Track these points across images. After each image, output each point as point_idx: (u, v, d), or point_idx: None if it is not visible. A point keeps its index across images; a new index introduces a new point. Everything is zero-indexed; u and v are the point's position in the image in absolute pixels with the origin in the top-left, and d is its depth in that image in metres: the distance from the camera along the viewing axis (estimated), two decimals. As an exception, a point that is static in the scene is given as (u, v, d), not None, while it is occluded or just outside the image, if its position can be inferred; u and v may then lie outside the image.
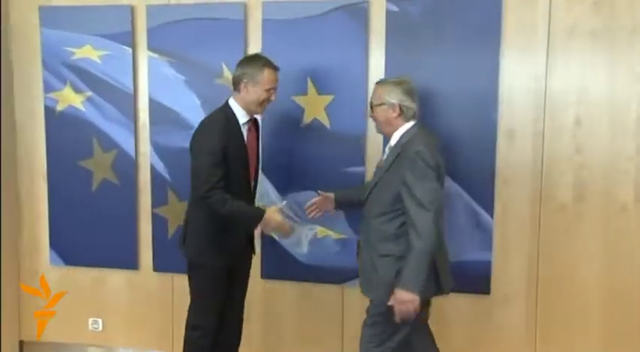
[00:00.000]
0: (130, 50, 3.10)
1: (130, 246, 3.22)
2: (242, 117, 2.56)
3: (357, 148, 2.90)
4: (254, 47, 2.96)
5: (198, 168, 2.46)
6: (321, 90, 2.92)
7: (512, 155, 2.80)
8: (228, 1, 2.98)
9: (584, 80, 2.70)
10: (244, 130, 2.58)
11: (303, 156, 2.96)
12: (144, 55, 3.10)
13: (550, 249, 2.81)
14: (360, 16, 2.85)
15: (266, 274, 3.10)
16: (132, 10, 3.09)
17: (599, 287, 2.78)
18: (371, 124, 2.65)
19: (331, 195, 2.65)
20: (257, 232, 2.74)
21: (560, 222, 2.79)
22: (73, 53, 3.16)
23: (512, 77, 2.77)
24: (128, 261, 3.24)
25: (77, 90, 3.17)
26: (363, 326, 2.44)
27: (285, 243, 3.03)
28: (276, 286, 3.12)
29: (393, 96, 2.33)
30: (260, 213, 2.51)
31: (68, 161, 3.22)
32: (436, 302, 2.89)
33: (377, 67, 2.87)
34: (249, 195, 2.67)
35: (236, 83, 2.54)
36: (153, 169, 3.15)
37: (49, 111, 3.22)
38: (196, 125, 2.62)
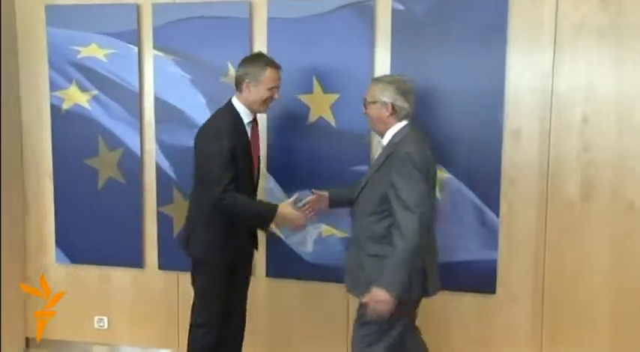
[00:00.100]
0: (135, 49, 3.11)
1: (136, 245, 3.23)
2: (246, 116, 2.56)
3: (362, 147, 2.90)
4: (259, 46, 2.96)
5: (208, 172, 2.46)
6: (326, 89, 2.91)
7: (518, 153, 2.79)
8: (233, -1, 2.99)
9: (592, 78, 2.69)
10: (248, 129, 2.59)
11: (308, 154, 2.96)
12: (149, 54, 3.11)
13: (557, 247, 2.80)
14: (365, 14, 2.84)
15: (271, 273, 3.10)
16: (137, 8, 3.09)
17: (607, 286, 2.77)
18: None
19: (325, 193, 2.64)
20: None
21: (567, 221, 2.77)
22: (78, 52, 3.17)
23: (518, 75, 2.75)
24: (133, 259, 3.24)
25: (83, 88, 3.18)
26: (354, 327, 2.42)
27: (291, 241, 3.03)
28: (281, 285, 3.11)
29: (387, 95, 2.32)
30: (273, 210, 2.52)
31: (74, 159, 3.23)
32: (442, 301, 2.90)
33: (382, 65, 2.86)
34: (254, 193, 2.68)
35: (238, 83, 2.55)
36: (158, 168, 3.15)
37: (55, 110, 3.23)
38: (201, 123, 2.63)
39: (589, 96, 2.70)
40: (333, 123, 2.92)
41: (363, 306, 2.39)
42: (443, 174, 2.82)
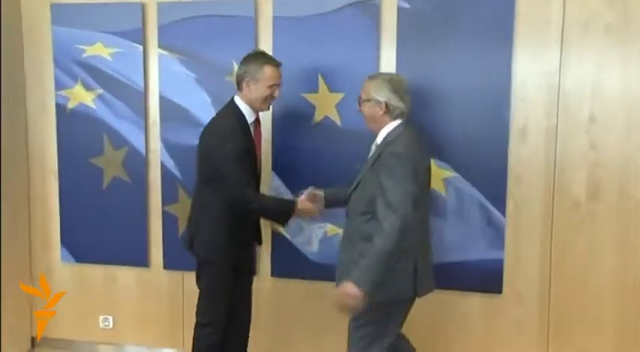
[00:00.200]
0: (140, 48, 3.10)
1: (141, 244, 3.23)
2: (249, 116, 2.57)
3: (368, 146, 2.87)
4: (265, 44, 2.95)
5: (228, 176, 2.45)
6: (332, 88, 2.90)
7: (524, 152, 2.78)
8: (238, -2, 2.98)
9: (599, 76, 2.67)
10: (251, 129, 2.60)
11: (314, 153, 2.95)
12: (154, 53, 3.10)
13: (563, 247, 2.78)
14: (371, 12, 2.83)
15: (276, 272, 3.09)
16: (143, 7, 3.09)
17: (613, 286, 2.75)
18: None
19: (321, 193, 2.63)
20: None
21: (574, 220, 2.76)
22: (84, 51, 3.16)
23: (525, 73, 2.74)
24: (138, 258, 3.24)
25: (88, 87, 3.18)
26: (350, 328, 2.41)
27: (296, 241, 3.02)
28: (286, 284, 3.11)
29: (381, 94, 2.30)
30: (293, 206, 2.56)
31: (79, 158, 3.23)
32: (448, 301, 2.90)
33: (388, 64, 2.85)
34: (258, 190, 2.70)
35: (239, 82, 2.55)
36: (163, 167, 3.15)
37: (60, 109, 3.23)
38: (206, 122, 2.63)
39: (596, 95, 2.68)
40: (338, 122, 2.91)
41: (356, 315, 2.38)
42: (449, 173, 2.82)
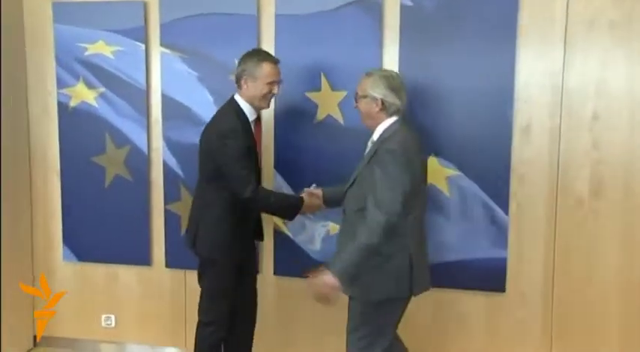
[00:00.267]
0: (142, 46, 3.10)
1: (143, 243, 3.22)
2: (250, 114, 2.57)
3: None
4: (267, 42, 2.95)
5: (230, 174, 2.46)
6: (334, 86, 2.89)
7: (528, 151, 2.76)
8: (241, -5, 2.97)
9: (603, 74, 2.66)
10: (253, 127, 2.60)
11: (316, 152, 2.94)
12: (156, 51, 3.10)
13: (567, 245, 2.77)
14: (374, 10, 2.82)
15: (279, 271, 3.09)
16: (145, 5, 3.08)
17: (617, 285, 2.74)
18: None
19: (319, 191, 2.63)
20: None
21: (577, 219, 2.75)
22: (85, 49, 3.16)
23: (528, 71, 2.73)
24: (141, 257, 3.24)
25: (90, 86, 3.17)
26: (347, 332, 2.40)
27: (298, 240, 3.01)
28: (288, 283, 3.10)
29: (377, 91, 2.30)
30: (300, 201, 2.58)
31: (81, 157, 3.23)
32: (451, 299, 2.89)
33: (391, 62, 2.84)
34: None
35: (237, 80, 2.56)
36: (165, 165, 3.14)
37: (62, 107, 3.23)
38: (208, 121, 2.62)
39: (600, 93, 2.67)
40: (341, 120, 2.91)
41: (350, 309, 2.39)
42: (452, 172, 2.81)
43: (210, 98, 3.02)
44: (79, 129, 3.21)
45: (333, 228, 2.97)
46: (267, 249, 3.08)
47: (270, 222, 2.98)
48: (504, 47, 2.71)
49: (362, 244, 2.16)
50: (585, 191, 2.72)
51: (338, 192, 2.56)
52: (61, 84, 3.21)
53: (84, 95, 3.18)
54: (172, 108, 3.09)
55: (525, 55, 2.72)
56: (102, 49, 3.14)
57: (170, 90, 3.09)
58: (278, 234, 3.04)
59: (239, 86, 2.56)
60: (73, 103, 3.21)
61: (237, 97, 2.57)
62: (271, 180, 2.99)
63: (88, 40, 3.15)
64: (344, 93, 2.89)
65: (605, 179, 2.70)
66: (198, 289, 2.70)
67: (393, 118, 2.32)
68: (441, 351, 2.96)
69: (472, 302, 2.90)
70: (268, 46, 2.91)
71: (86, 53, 3.16)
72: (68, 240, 3.32)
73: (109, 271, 3.32)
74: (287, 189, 2.97)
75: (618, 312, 2.76)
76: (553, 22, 2.68)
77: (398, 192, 2.14)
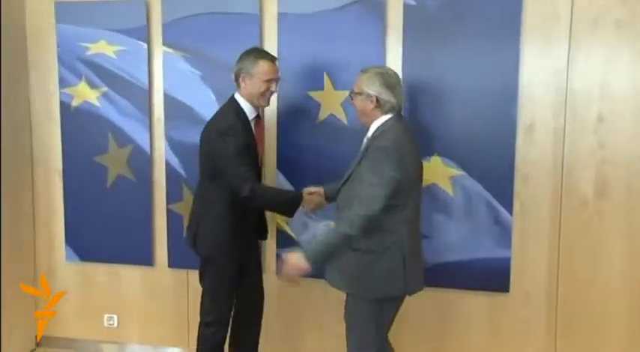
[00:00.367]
0: (145, 45, 3.09)
1: (145, 242, 3.22)
2: (250, 113, 2.57)
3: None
4: (270, 41, 2.94)
5: (231, 170, 2.46)
6: (337, 86, 2.88)
7: (532, 151, 2.75)
8: (243, -6, 2.96)
9: (608, 73, 2.64)
10: (252, 125, 2.60)
11: (318, 151, 2.93)
12: (159, 50, 3.09)
13: (571, 246, 2.76)
14: (377, 9, 2.81)
15: (282, 270, 3.07)
16: (147, 4, 3.07)
17: (622, 285, 2.72)
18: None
19: (321, 189, 2.62)
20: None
21: (582, 219, 2.73)
22: (88, 48, 3.15)
23: (532, 71, 2.71)
24: (143, 257, 3.23)
25: (92, 85, 3.17)
26: (347, 333, 2.40)
27: (301, 239, 3.00)
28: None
29: (372, 88, 2.29)
30: (299, 197, 2.58)
31: (83, 157, 3.22)
32: (455, 299, 2.88)
33: (394, 61, 2.82)
34: None
35: (236, 78, 2.56)
36: (168, 165, 3.14)
37: (64, 107, 3.22)
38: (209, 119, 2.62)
39: (605, 92, 2.65)
40: (343, 120, 2.90)
41: (346, 308, 2.39)
42: (456, 171, 2.79)
43: (213, 97, 3.01)
44: (81, 129, 3.21)
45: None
46: (269, 249, 3.07)
47: (272, 222, 2.97)
48: (508, 46, 2.69)
49: (339, 233, 2.19)
50: (590, 191, 2.71)
51: (337, 188, 2.56)
52: (63, 83, 3.20)
53: (86, 95, 3.18)
54: (175, 108, 3.09)
55: (529, 54, 2.70)
56: (104, 48, 3.13)
57: (172, 89, 3.08)
58: (280, 233, 3.03)
59: (238, 85, 2.57)
60: (75, 103, 3.20)
61: (237, 96, 2.58)
62: (273, 179, 2.99)
63: (90, 39, 3.14)
64: (347, 93, 2.85)
65: (609, 179, 2.68)
66: (200, 289, 2.70)
67: (388, 115, 2.32)
68: (445, 351, 2.95)
69: (475, 303, 2.88)
70: (271, 45, 2.90)
71: (88, 53, 3.15)
72: (70, 239, 3.31)
73: (111, 271, 3.32)
74: (289, 188, 2.96)
75: (623, 312, 2.74)
76: (558, 21, 2.66)
77: (380, 190, 2.15)
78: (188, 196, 3.09)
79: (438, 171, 2.80)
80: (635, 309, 2.72)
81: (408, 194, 2.24)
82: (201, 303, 2.69)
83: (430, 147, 2.80)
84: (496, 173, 2.77)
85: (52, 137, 3.29)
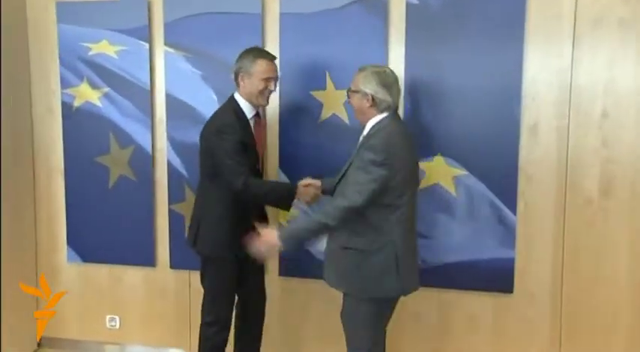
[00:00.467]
0: (146, 45, 3.08)
1: (147, 243, 3.21)
2: (248, 111, 2.57)
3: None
4: (271, 41, 2.93)
5: (225, 166, 2.46)
6: (339, 85, 2.87)
7: (535, 150, 2.74)
8: (245, -6, 2.96)
9: (612, 72, 2.63)
10: (251, 124, 2.60)
11: (320, 151, 2.92)
12: (160, 50, 3.08)
13: (575, 245, 2.74)
14: (379, 9, 2.80)
15: (284, 272, 3.07)
16: (148, 4, 3.07)
17: (627, 285, 2.71)
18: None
19: (317, 181, 2.61)
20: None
21: (586, 218, 2.72)
22: (89, 48, 3.15)
23: (536, 69, 2.70)
24: (145, 257, 3.22)
25: (94, 85, 3.16)
26: (346, 334, 2.39)
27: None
28: (294, 284, 3.08)
29: (368, 86, 2.29)
30: (294, 189, 2.57)
31: (85, 157, 3.21)
32: (459, 300, 2.87)
33: (397, 61, 2.81)
34: None
35: (235, 78, 2.57)
36: (170, 165, 3.13)
37: (66, 107, 3.21)
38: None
39: (609, 91, 2.64)
40: (345, 120, 2.88)
41: (343, 308, 2.39)
42: (459, 171, 2.78)
43: (215, 97, 3.01)
44: (82, 130, 3.20)
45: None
46: (272, 250, 3.06)
47: (274, 222, 2.96)
48: (511, 45, 2.68)
49: (315, 220, 2.26)
50: (594, 190, 2.69)
51: (335, 183, 2.56)
52: (64, 84, 3.20)
53: (88, 95, 3.17)
54: (177, 108, 3.08)
55: (533, 53, 2.69)
56: (106, 48, 3.13)
57: (174, 89, 3.08)
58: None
59: (237, 84, 2.58)
60: (76, 103, 3.19)
61: (236, 95, 2.59)
62: (275, 177, 2.98)
63: (91, 39, 3.14)
64: (348, 93, 2.86)
65: (614, 178, 2.67)
66: (202, 290, 2.69)
67: (384, 114, 2.32)
68: (448, 351, 2.94)
69: (479, 303, 2.87)
70: (273, 44, 2.90)
71: (90, 53, 3.15)
72: (72, 240, 3.30)
73: (113, 272, 3.31)
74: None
75: (628, 312, 2.72)
76: (561, 19, 2.65)
77: (365, 186, 2.17)
78: (190, 197, 3.08)
79: (441, 171, 2.78)
80: (640, 309, 2.71)
81: (402, 194, 2.24)
82: (203, 304, 2.69)
83: (433, 147, 2.79)
84: (500, 173, 2.75)
85: (53, 137, 3.29)
